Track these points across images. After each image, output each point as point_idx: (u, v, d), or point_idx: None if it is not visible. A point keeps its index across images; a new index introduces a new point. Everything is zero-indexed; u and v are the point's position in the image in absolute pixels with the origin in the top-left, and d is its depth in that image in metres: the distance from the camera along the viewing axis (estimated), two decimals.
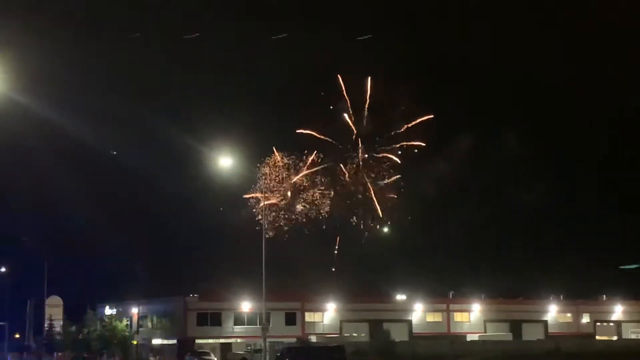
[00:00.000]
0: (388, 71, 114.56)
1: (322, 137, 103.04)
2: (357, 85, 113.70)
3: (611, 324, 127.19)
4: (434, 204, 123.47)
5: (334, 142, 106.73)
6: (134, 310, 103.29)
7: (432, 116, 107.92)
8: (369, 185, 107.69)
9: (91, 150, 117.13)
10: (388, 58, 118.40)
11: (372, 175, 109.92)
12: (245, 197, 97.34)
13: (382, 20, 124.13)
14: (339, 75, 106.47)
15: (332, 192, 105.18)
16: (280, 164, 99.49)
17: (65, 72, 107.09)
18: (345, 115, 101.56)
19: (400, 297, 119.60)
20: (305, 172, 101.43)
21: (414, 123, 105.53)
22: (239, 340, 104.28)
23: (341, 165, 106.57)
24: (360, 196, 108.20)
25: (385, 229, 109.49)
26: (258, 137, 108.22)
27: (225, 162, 78.38)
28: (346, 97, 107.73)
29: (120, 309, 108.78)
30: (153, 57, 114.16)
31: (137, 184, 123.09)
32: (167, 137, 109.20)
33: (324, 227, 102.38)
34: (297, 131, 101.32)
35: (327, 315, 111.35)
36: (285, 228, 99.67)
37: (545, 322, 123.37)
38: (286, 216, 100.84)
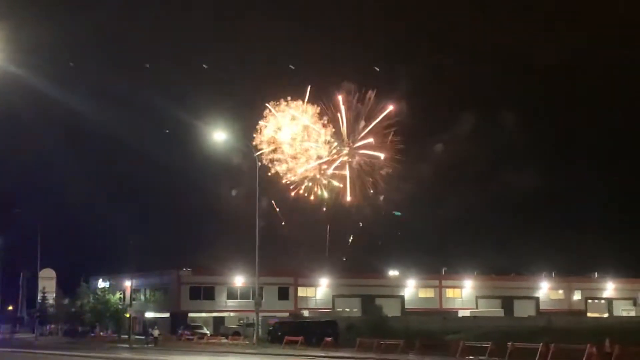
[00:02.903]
0: (388, 51, 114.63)
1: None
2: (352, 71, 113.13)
3: (602, 301, 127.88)
4: (429, 182, 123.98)
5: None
6: (127, 283, 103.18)
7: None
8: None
9: (88, 123, 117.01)
10: (387, 40, 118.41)
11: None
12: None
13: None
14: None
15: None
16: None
17: (63, 45, 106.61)
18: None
19: (393, 272, 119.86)
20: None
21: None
22: (231, 314, 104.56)
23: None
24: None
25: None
26: (251, 114, 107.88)
27: (219, 136, 78.36)
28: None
29: (114, 282, 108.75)
30: (152, 31, 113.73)
31: (132, 157, 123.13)
32: (163, 112, 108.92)
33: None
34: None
35: (319, 290, 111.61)
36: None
37: (537, 298, 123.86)
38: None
